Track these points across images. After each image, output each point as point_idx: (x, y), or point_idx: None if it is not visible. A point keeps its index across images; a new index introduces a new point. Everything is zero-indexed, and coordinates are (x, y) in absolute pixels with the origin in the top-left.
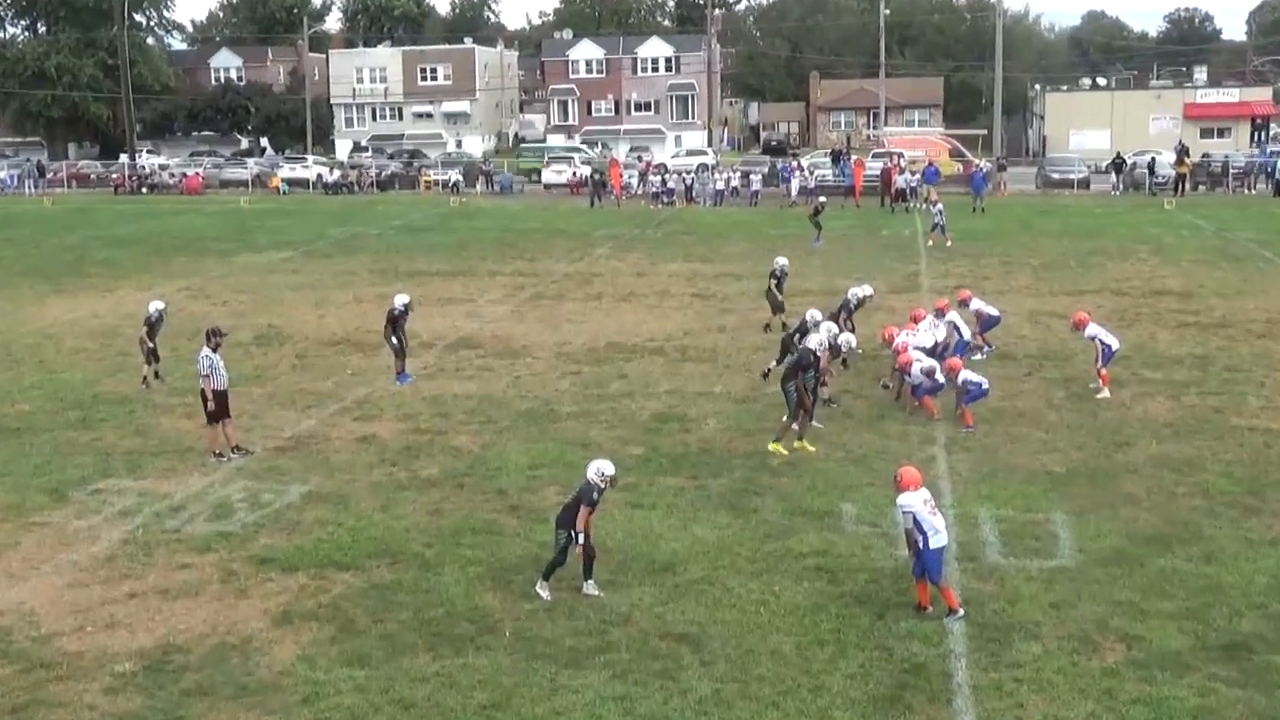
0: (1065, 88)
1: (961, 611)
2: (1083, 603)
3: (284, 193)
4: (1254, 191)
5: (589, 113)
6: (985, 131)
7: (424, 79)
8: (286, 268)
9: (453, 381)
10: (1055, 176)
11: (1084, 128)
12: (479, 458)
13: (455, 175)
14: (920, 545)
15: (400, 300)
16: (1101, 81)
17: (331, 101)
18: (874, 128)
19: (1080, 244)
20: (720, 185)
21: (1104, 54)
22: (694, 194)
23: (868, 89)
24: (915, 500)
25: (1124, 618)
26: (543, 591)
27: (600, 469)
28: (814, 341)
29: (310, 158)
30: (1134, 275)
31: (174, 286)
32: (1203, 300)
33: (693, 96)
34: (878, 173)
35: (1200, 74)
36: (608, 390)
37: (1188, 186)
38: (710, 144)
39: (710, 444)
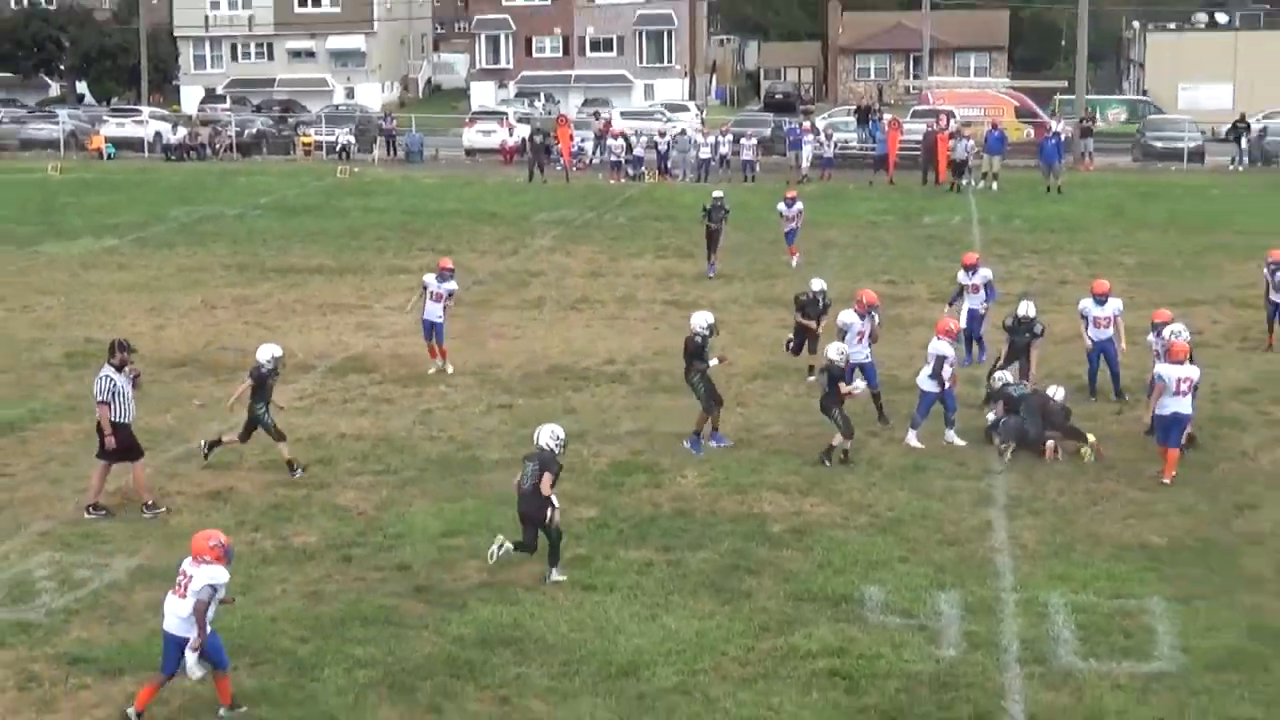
0: (1173, 26)
1: (243, 708)
2: (1189, 719)
3: (109, 157)
4: None
5: (529, 53)
6: (1065, 84)
7: (302, 4)
8: (111, 261)
9: (338, 417)
10: (1159, 146)
11: (1198, 80)
12: (373, 521)
13: (345, 136)
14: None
15: (701, 321)
16: (1221, 19)
17: (175, 34)
18: (915, 77)
19: (1191, 238)
20: (705, 153)
21: None
22: (670, 164)
23: (907, 25)
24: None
25: None
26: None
27: (554, 432)
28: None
29: (146, 110)
30: (1263, 281)
31: None
32: None
33: (669, 32)
34: (919, 138)
35: None
36: None
37: None
38: (693, 97)
39: (688, 504)
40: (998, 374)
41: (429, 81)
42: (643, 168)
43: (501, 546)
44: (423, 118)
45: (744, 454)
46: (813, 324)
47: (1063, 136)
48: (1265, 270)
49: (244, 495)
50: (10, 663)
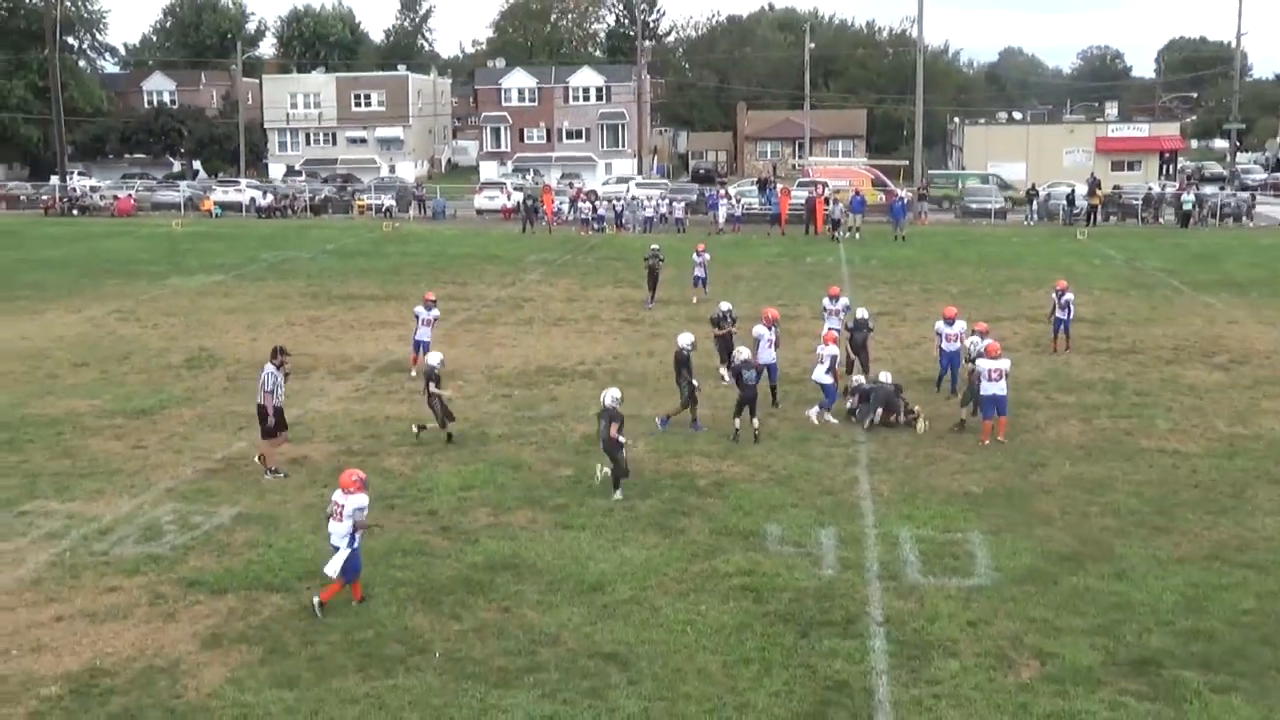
0: (983, 121)
1: (319, 615)
2: (999, 620)
3: (217, 216)
4: (1163, 221)
5: (521, 140)
6: (907, 162)
7: (358, 104)
8: (218, 291)
9: (384, 404)
10: (974, 206)
11: (1001, 159)
12: (410, 479)
13: (388, 200)
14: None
15: (685, 340)
16: (1017, 115)
17: (265, 126)
18: (799, 157)
19: (997, 272)
20: (650, 212)
21: (1020, 89)
22: (623, 220)
23: (793, 120)
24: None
25: (1038, 634)
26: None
27: (614, 395)
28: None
29: (243, 181)
30: (1048, 303)
31: (104, 309)
32: (1114, 327)
33: (623, 125)
34: (803, 201)
35: (1111, 109)
36: (538, 413)
37: (1099, 217)
38: (640, 172)
39: (639, 465)
40: (854, 378)
41: (449, 160)
42: (604, 223)
43: (601, 471)
44: (445, 187)
45: (680, 429)
46: (724, 330)
47: (905, 200)
48: (1052, 295)
49: (315, 461)
50: (144, 585)
